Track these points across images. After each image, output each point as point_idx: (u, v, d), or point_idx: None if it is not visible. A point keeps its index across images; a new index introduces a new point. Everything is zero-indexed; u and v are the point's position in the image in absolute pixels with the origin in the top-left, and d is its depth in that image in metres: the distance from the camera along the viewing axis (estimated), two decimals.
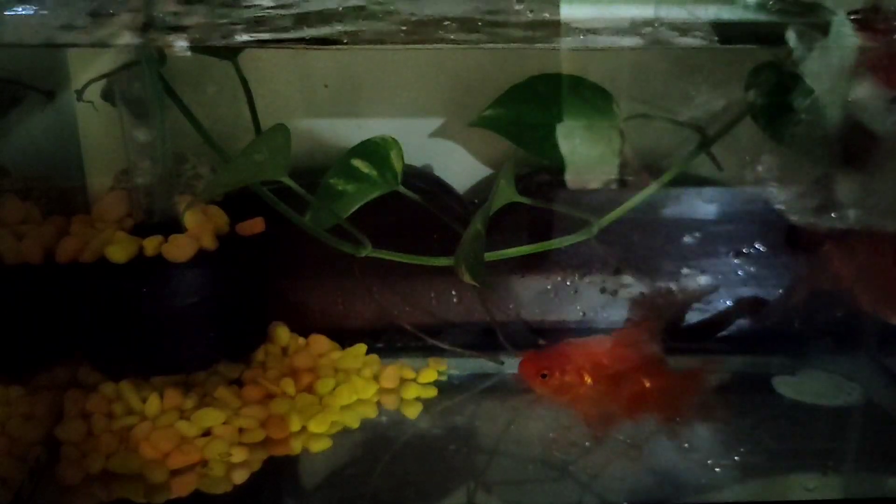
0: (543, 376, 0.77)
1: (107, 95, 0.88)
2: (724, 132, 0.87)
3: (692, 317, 1.00)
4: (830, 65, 0.77)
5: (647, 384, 0.78)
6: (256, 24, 0.72)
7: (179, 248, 0.86)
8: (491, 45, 0.75)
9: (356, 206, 0.89)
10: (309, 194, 0.86)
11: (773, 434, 0.91)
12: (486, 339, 1.00)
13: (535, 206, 0.91)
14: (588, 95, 0.87)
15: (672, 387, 0.78)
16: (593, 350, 0.79)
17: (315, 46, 0.72)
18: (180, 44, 0.72)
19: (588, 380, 0.77)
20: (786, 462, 0.87)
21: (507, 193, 0.86)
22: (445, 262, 0.91)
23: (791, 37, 0.75)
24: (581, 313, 1.02)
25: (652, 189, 0.89)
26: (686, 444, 0.87)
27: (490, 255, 0.89)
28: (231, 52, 0.88)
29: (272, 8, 0.73)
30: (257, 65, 0.93)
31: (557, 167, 0.96)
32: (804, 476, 0.85)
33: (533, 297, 1.01)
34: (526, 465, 0.87)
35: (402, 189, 0.90)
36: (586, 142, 0.87)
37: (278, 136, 0.78)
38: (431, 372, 0.98)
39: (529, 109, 0.87)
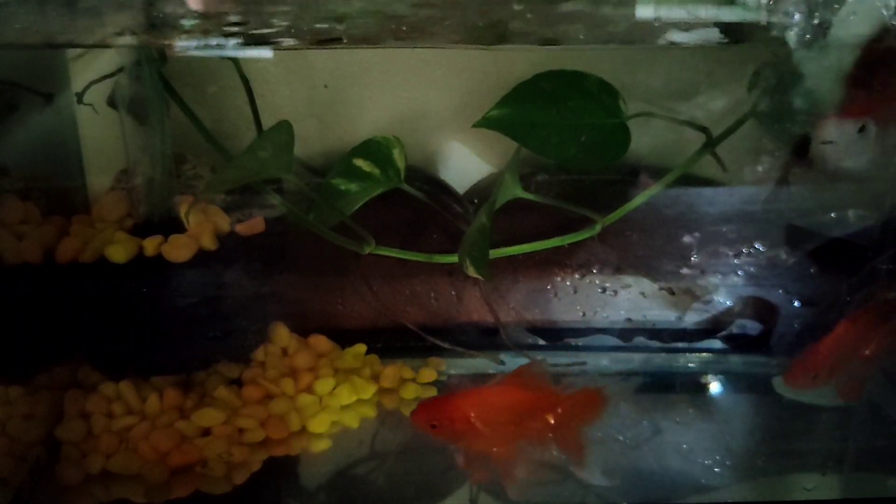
0: (433, 426, 0.79)
1: (112, 101, 0.88)
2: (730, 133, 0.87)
3: None
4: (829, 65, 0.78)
5: (544, 417, 0.79)
6: None
7: (179, 248, 0.86)
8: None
9: (359, 204, 0.89)
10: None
11: (773, 434, 0.91)
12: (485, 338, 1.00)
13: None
14: (594, 91, 0.86)
15: (570, 411, 0.79)
16: (484, 397, 0.80)
17: None
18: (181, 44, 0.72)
19: (479, 426, 0.78)
20: (785, 462, 0.87)
21: (511, 189, 0.86)
22: (449, 259, 0.91)
23: (791, 37, 0.75)
24: None
25: (654, 190, 0.89)
26: (685, 445, 0.88)
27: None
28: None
29: None
30: (257, 64, 0.93)
31: (557, 167, 0.96)
32: (804, 476, 0.85)
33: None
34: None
35: (405, 186, 0.90)
36: (593, 139, 0.87)
37: (282, 133, 0.78)
38: (431, 372, 0.98)
39: (535, 108, 0.86)
